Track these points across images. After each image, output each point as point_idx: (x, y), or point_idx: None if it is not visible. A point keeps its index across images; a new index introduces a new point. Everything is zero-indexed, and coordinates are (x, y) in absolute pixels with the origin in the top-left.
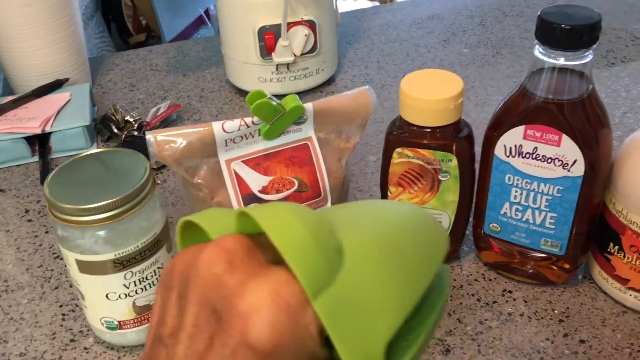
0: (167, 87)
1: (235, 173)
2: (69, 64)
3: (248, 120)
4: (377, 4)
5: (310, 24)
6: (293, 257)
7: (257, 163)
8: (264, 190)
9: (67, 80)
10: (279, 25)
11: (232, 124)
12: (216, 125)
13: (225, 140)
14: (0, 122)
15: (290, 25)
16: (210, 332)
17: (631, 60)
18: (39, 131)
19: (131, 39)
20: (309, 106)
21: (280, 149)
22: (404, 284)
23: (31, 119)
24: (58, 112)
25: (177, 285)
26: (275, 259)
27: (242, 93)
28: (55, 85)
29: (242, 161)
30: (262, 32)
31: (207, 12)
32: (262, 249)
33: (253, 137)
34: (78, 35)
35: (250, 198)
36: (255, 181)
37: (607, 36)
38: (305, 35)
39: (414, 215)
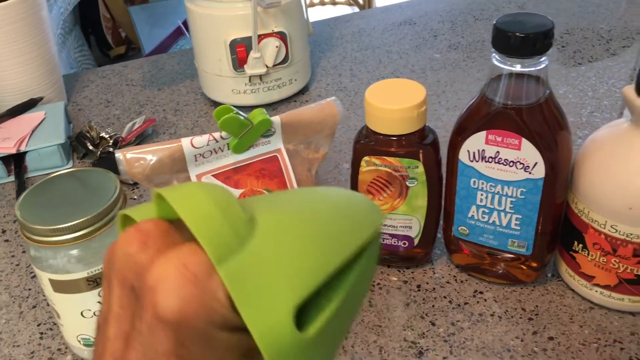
0: (142, 101)
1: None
2: (42, 82)
3: (217, 135)
4: (356, 9)
5: (281, 35)
6: (196, 224)
7: (227, 177)
8: None
9: (41, 99)
10: (249, 38)
11: (201, 140)
12: (185, 141)
13: (195, 156)
14: None
15: (261, 37)
16: (132, 310)
17: (597, 59)
18: (13, 151)
19: (111, 52)
20: (276, 119)
21: (250, 162)
22: (316, 254)
23: (5, 139)
24: (33, 131)
25: (106, 272)
26: (191, 238)
27: (217, 105)
28: (29, 105)
29: (212, 175)
30: (234, 45)
31: (185, 23)
32: (180, 231)
33: (222, 151)
34: (51, 53)
35: None
36: None
37: (574, 37)
38: (277, 46)
39: (333, 192)
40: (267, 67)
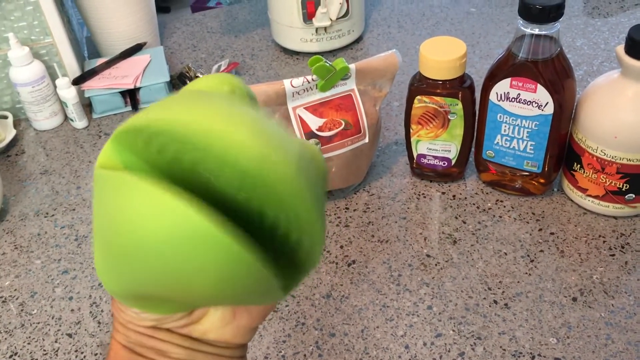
0: (223, 47)
1: (299, 116)
2: (145, 30)
3: (309, 77)
4: None
5: None
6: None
7: (314, 109)
8: (319, 129)
9: (145, 44)
10: None
11: (298, 81)
12: (286, 82)
13: (293, 93)
14: (99, 80)
15: None
16: None
17: (612, 15)
18: (132, 86)
19: None
20: (352, 66)
21: (331, 98)
22: None
23: (124, 76)
24: (143, 71)
25: None
26: None
27: (287, 51)
28: (136, 49)
29: (304, 108)
30: (305, 2)
31: None
32: None
33: (312, 90)
34: (151, 6)
35: (310, 135)
36: (314, 122)
37: None
38: (340, 3)
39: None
40: (331, 20)
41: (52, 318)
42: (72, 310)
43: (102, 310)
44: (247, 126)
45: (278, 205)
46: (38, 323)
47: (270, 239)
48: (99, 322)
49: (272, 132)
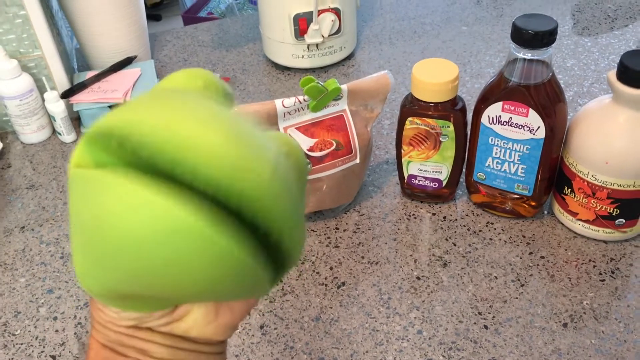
0: (214, 61)
1: (290, 137)
2: (135, 43)
3: (300, 98)
4: None
5: (336, 11)
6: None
7: (306, 129)
8: (311, 149)
9: (135, 57)
10: (310, 12)
11: (289, 101)
12: (278, 102)
13: (284, 113)
14: (88, 94)
15: (319, 12)
16: None
17: (602, 36)
18: (121, 101)
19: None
20: (344, 87)
21: (323, 118)
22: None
23: (114, 90)
24: (133, 85)
25: None
26: None
27: (278, 67)
28: (126, 62)
29: (295, 128)
30: (297, 18)
31: None
32: None
33: (303, 110)
34: (142, 19)
35: None
36: (305, 142)
37: (584, 15)
38: (332, 20)
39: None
40: (323, 37)
41: (36, 339)
42: (57, 330)
43: (87, 331)
44: (219, 131)
45: (255, 211)
46: (21, 344)
47: (252, 234)
48: (84, 344)
49: (245, 134)
